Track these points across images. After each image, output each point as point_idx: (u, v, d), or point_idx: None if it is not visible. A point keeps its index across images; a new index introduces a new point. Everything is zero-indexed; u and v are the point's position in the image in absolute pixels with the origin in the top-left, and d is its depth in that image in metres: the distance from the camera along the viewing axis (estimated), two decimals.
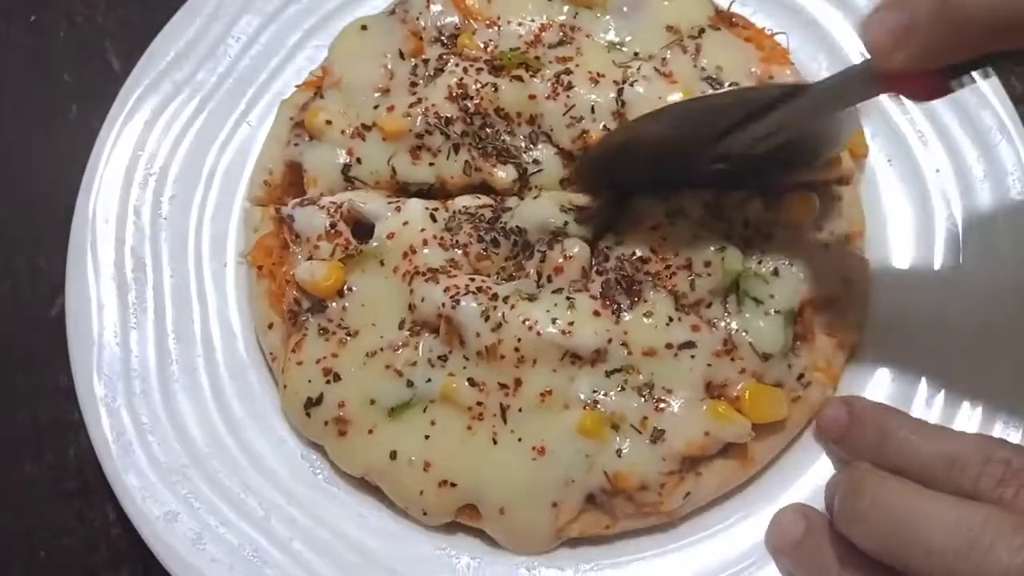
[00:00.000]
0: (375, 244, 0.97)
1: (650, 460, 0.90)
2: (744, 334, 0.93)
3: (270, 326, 1.00)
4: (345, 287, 0.96)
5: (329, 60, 1.07)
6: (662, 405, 0.91)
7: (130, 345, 0.99)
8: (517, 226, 0.97)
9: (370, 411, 0.93)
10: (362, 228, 0.99)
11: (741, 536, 0.93)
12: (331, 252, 0.97)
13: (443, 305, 0.92)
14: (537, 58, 1.02)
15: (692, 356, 0.92)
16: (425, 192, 1.01)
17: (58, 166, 1.11)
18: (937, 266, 1.02)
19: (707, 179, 0.96)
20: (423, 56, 1.05)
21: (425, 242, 0.96)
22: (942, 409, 0.95)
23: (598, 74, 1.00)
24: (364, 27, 1.07)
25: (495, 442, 0.91)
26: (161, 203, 1.06)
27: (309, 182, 1.02)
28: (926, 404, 0.96)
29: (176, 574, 0.90)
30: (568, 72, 1.00)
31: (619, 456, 0.90)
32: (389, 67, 1.05)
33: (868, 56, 0.72)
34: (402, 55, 1.05)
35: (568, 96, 0.99)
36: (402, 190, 1.02)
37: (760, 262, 0.96)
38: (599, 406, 0.91)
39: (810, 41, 1.10)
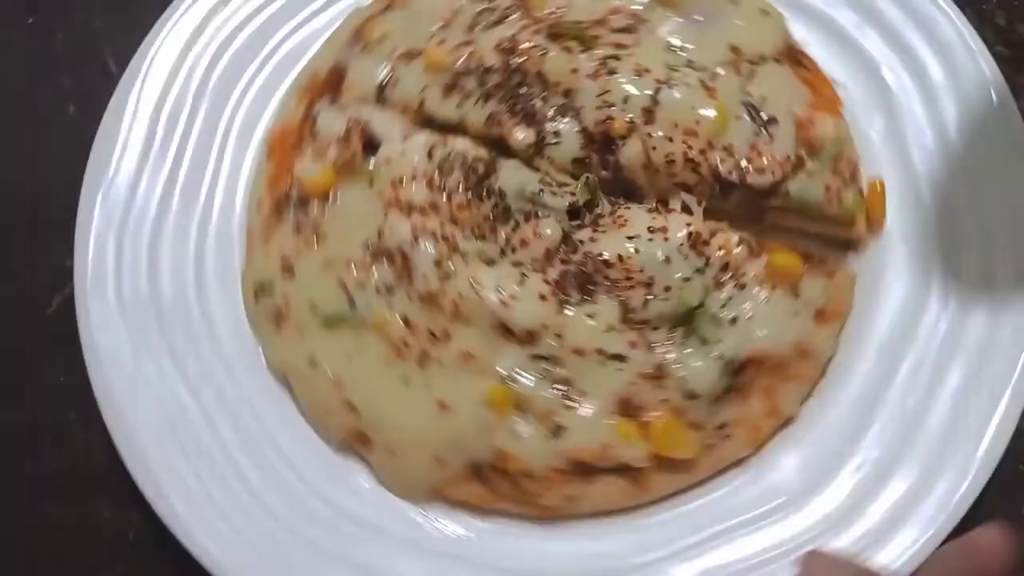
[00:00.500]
0: (371, 165, 0.99)
1: (542, 451, 0.90)
2: (678, 367, 0.91)
3: (258, 206, 1.03)
4: (331, 193, 0.99)
5: None
6: (572, 404, 0.90)
7: (140, 184, 1.03)
8: (499, 188, 0.97)
9: (308, 315, 0.96)
10: (373, 146, 1.01)
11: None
12: (336, 157, 1.00)
13: (405, 240, 0.94)
14: (595, 37, 1.02)
15: (619, 370, 0.90)
16: (448, 131, 1.02)
17: (55, 167, 1.11)
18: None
19: None
20: (495, 2, 1.06)
21: (414, 177, 0.98)
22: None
23: (645, 69, 0.99)
24: None
25: (406, 384, 0.92)
26: (216, 68, 1.10)
27: (346, 88, 1.05)
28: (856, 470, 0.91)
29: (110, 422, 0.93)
30: (616, 58, 1.00)
31: (514, 437, 0.90)
32: (462, 2, 1.07)
33: None
34: None
35: (608, 80, 0.98)
36: (426, 122, 1.03)
37: (723, 306, 0.93)
38: (514, 384, 0.91)
39: (871, 98, 1.06)
